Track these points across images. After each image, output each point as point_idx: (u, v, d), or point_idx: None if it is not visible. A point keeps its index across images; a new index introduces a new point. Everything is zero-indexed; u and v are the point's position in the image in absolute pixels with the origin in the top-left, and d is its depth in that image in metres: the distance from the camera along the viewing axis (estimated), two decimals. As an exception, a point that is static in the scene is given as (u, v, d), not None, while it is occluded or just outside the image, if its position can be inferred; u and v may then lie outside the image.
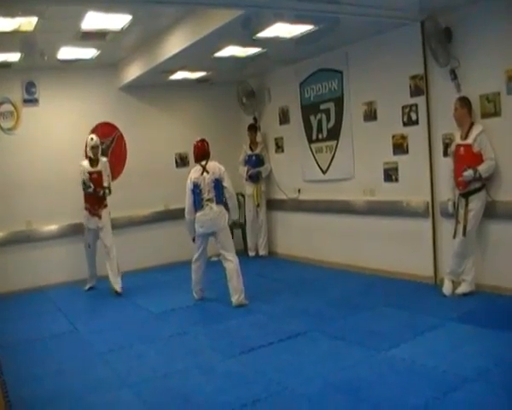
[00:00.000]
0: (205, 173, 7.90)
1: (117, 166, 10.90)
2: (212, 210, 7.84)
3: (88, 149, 9.33)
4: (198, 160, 8.07)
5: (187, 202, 7.97)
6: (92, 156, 9.28)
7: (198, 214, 7.89)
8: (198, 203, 7.88)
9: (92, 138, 9.31)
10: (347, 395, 4.68)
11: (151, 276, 10.48)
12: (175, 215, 11.06)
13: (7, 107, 10.07)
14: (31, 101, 10.23)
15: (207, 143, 8.11)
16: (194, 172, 8.00)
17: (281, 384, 5.04)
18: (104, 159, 9.49)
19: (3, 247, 9.79)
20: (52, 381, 5.69)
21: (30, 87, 10.20)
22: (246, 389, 5.00)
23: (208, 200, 7.84)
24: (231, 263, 7.89)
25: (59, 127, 10.38)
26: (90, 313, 8.35)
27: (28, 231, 10.02)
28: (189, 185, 7.94)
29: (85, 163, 9.29)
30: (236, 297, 7.83)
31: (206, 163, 7.98)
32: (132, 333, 7.11)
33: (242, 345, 6.17)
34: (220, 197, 7.93)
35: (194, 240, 8.16)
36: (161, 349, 6.43)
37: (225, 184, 7.97)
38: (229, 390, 5.04)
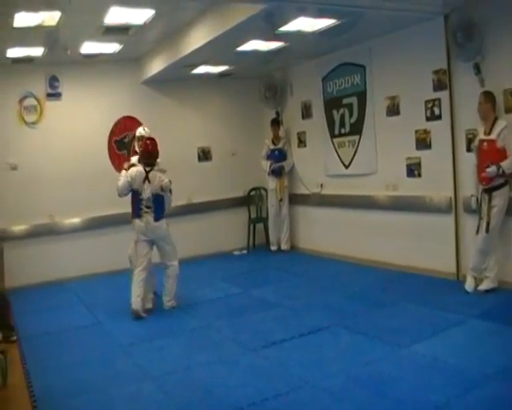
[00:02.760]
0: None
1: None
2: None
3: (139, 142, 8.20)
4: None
5: None
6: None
7: None
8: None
9: (144, 129, 8.27)
10: (368, 390, 4.69)
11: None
12: (198, 209, 11.13)
13: (30, 101, 10.16)
14: (54, 95, 10.31)
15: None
16: None
17: (302, 379, 5.06)
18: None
19: (26, 240, 9.91)
20: (75, 372, 5.75)
21: (53, 81, 10.28)
22: (267, 383, 5.03)
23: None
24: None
25: (82, 121, 10.45)
26: (112, 306, 8.35)
27: (51, 225, 10.12)
28: None
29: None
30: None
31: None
32: (155, 326, 7.16)
33: (264, 339, 6.20)
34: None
35: None
36: (184, 342, 6.49)
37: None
38: (250, 384, 5.07)
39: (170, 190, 7.56)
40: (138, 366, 5.80)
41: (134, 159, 8.04)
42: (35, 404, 5.02)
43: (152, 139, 7.60)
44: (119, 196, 7.61)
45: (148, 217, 7.39)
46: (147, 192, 7.36)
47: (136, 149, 8.22)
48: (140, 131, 8.21)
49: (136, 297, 7.43)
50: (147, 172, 7.42)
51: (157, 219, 7.42)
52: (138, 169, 7.50)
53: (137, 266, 7.55)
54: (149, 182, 7.38)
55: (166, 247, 7.64)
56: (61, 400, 5.13)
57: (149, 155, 7.52)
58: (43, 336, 7.17)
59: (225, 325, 6.95)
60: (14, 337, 7.03)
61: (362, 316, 6.77)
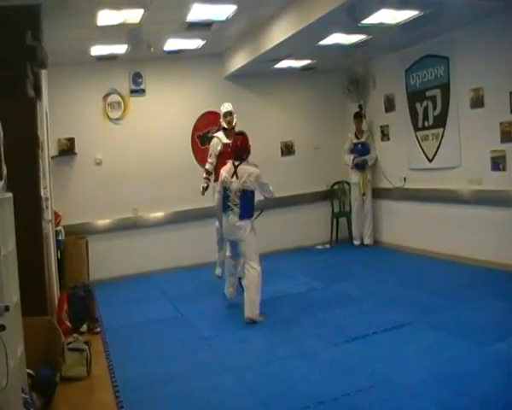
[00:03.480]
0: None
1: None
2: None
3: (221, 118, 8.73)
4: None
5: None
6: (226, 126, 8.66)
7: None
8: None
9: (224, 105, 8.68)
10: (450, 387, 4.64)
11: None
12: (281, 203, 11.20)
13: (114, 97, 10.51)
14: (137, 91, 10.62)
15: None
16: None
17: (384, 375, 5.05)
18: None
19: (110, 233, 10.28)
20: (157, 363, 5.94)
21: (136, 78, 10.58)
22: (349, 379, 5.06)
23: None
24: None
25: (165, 117, 10.72)
26: (195, 298, 8.54)
27: (134, 219, 10.42)
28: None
29: (220, 134, 8.74)
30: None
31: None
32: (236, 319, 7.23)
33: (346, 334, 6.21)
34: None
35: None
36: (265, 336, 6.56)
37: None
38: (331, 379, 5.10)
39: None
40: (220, 359, 5.93)
41: (219, 134, 8.70)
42: (118, 394, 5.20)
43: (242, 134, 7.47)
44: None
45: (233, 215, 7.20)
46: (234, 187, 7.20)
47: (224, 125, 8.67)
48: (223, 106, 8.70)
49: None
50: (235, 167, 7.27)
51: (242, 217, 7.17)
52: (227, 164, 7.46)
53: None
54: (237, 177, 7.20)
55: (244, 248, 7.25)
56: (142, 390, 5.29)
57: (238, 151, 7.37)
58: (126, 327, 7.41)
59: (307, 319, 6.98)
60: (98, 329, 7.30)
61: (445, 312, 6.68)
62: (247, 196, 7.19)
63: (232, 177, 7.22)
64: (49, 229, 6.97)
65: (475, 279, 8.14)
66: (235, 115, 8.65)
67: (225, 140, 8.52)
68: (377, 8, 7.42)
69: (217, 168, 8.34)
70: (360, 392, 4.75)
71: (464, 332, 5.90)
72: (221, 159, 8.30)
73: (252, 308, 7.00)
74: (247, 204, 7.19)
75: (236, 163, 7.27)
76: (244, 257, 7.27)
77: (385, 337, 6.05)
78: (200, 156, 10.58)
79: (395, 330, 6.23)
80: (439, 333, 6.01)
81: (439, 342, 5.75)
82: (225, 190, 7.27)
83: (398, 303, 7.28)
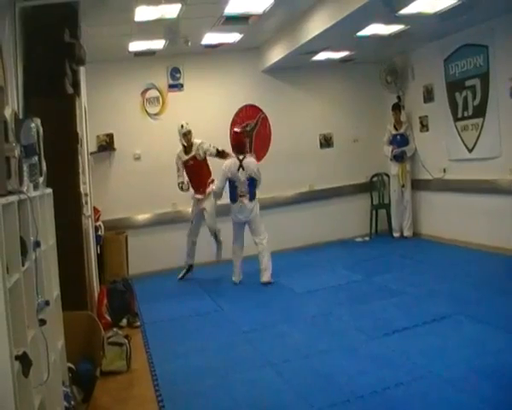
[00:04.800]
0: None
1: (262, 148, 11.22)
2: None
3: (179, 136, 9.42)
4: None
5: None
6: (186, 144, 9.40)
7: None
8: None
9: (182, 126, 9.36)
10: (492, 381, 4.58)
11: (295, 257, 10.59)
12: (320, 196, 11.19)
13: (153, 93, 10.58)
14: (175, 86, 10.68)
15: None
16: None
17: (424, 368, 5.01)
18: (198, 140, 9.44)
19: (149, 228, 10.40)
20: (196, 357, 5.97)
21: (174, 73, 10.64)
22: (389, 372, 5.02)
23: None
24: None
25: (203, 111, 10.68)
26: (235, 293, 8.58)
27: (173, 213, 10.47)
28: None
29: (180, 153, 9.52)
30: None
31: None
32: (275, 313, 7.28)
33: (386, 327, 6.18)
34: None
35: None
36: (304, 329, 6.56)
37: None
38: (371, 372, 5.08)
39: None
40: (259, 353, 5.94)
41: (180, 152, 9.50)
42: (157, 388, 5.25)
43: (235, 132, 9.38)
44: (218, 194, 9.02)
45: (245, 199, 8.68)
46: (242, 178, 8.65)
47: (184, 142, 9.41)
48: (182, 127, 9.37)
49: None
50: (240, 161, 8.69)
51: (251, 199, 8.73)
52: (232, 160, 8.78)
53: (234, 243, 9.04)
54: (243, 169, 8.65)
55: (255, 225, 8.82)
56: (182, 384, 5.33)
57: (239, 147, 8.99)
58: (165, 322, 7.47)
59: (346, 312, 6.96)
60: (138, 323, 7.39)
61: (485, 304, 6.58)
62: (252, 182, 8.71)
63: (238, 170, 8.64)
64: (88, 224, 7.05)
65: (517, 271, 8.01)
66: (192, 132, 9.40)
67: (185, 157, 9.41)
68: (416, -3, 7.34)
69: (190, 177, 9.53)
70: (400, 385, 4.72)
71: (506, 325, 5.81)
72: (187, 171, 9.49)
73: (267, 274, 8.69)
74: (252, 188, 8.74)
75: (241, 157, 8.73)
76: (255, 233, 8.83)
77: (425, 330, 6.00)
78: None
79: (435, 322, 6.17)
80: (480, 325, 5.94)
81: (480, 335, 5.69)
82: (232, 182, 8.70)
83: (438, 295, 7.21)
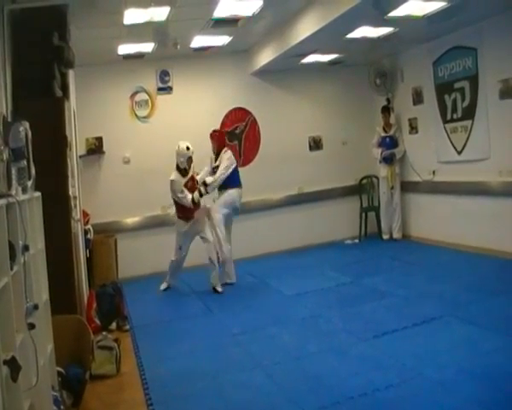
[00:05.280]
0: None
1: (251, 151, 11.22)
2: None
3: (182, 159, 8.57)
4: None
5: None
6: (187, 166, 8.61)
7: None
8: None
9: (188, 148, 8.56)
10: (482, 383, 4.59)
11: (284, 259, 10.59)
12: (309, 198, 11.19)
13: (142, 96, 10.55)
14: (164, 89, 10.65)
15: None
16: None
17: (414, 370, 5.02)
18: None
19: (138, 231, 10.37)
20: (186, 360, 5.96)
21: (163, 76, 10.62)
22: (379, 374, 5.02)
23: None
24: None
25: (192, 114, 10.68)
26: (224, 295, 8.54)
27: (163, 216, 10.38)
28: None
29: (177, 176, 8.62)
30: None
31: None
32: (265, 315, 7.28)
33: (376, 329, 6.18)
34: None
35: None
36: (294, 331, 6.56)
37: None
38: (361, 374, 5.08)
39: None
40: (249, 355, 5.93)
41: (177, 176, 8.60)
42: (147, 391, 5.24)
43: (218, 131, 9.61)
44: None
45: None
46: None
47: (185, 166, 8.61)
48: (188, 149, 8.58)
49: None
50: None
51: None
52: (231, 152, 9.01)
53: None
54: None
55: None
56: (172, 387, 5.32)
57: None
58: (155, 325, 7.46)
59: (336, 314, 6.95)
60: (127, 327, 7.36)
61: (476, 306, 6.59)
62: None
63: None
64: (77, 228, 7.02)
65: (506, 272, 8.04)
66: None
67: (183, 180, 8.56)
68: (404, 0, 7.34)
69: None
70: (390, 387, 4.73)
71: (496, 326, 5.83)
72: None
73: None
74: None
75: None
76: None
77: (415, 332, 6.01)
78: (229, 153, 10.57)
79: (425, 324, 6.19)
80: (470, 327, 5.95)
81: (470, 337, 5.69)
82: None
83: (428, 297, 7.22)
